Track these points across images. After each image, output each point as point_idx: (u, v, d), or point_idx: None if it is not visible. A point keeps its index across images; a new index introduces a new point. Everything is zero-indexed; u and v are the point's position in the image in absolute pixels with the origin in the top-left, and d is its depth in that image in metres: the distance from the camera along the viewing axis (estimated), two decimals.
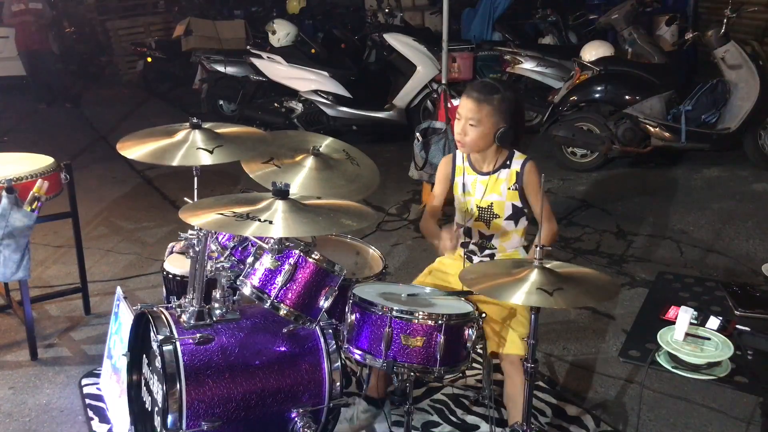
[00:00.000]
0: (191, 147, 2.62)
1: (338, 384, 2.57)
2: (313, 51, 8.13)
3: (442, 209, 3.00)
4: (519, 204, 2.81)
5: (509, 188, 2.80)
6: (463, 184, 2.88)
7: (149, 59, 10.23)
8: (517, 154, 2.83)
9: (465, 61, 7.48)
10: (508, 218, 2.82)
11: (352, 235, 3.23)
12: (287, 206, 2.33)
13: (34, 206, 3.43)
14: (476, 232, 2.87)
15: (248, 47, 8.05)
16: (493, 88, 2.75)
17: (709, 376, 2.09)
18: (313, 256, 2.42)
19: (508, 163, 2.82)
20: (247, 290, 2.44)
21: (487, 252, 2.89)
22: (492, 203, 2.82)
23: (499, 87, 2.77)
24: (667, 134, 6.20)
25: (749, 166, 6.35)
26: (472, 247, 2.88)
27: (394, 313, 2.30)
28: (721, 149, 6.44)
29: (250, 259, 2.49)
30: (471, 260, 2.90)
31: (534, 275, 2.19)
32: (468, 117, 2.74)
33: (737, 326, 2.32)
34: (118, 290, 3.26)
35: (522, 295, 2.14)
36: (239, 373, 2.44)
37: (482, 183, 2.84)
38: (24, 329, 3.65)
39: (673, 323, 2.24)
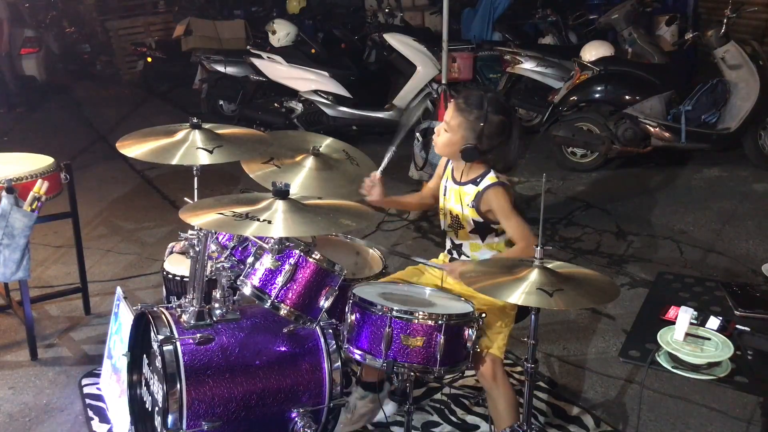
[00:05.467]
0: (191, 147, 2.63)
1: (338, 384, 2.57)
2: (313, 51, 8.12)
3: (428, 202, 3.00)
4: (480, 220, 2.72)
5: (468, 204, 2.72)
6: (443, 189, 2.85)
7: (149, 59, 10.22)
8: (491, 174, 2.69)
9: (465, 61, 7.48)
10: (473, 231, 2.75)
11: (351, 235, 3.23)
12: (287, 206, 2.33)
13: (34, 206, 3.43)
14: (449, 239, 2.87)
15: (248, 47, 8.04)
16: (477, 104, 2.64)
17: (709, 376, 2.09)
18: (313, 256, 2.42)
19: (478, 180, 2.71)
20: (247, 290, 2.44)
21: (463, 259, 2.83)
22: (458, 214, 2.76)
23: (484, 104, 2.63)
24: (667, 134, 6.19)
25: (749, 166, 6.34)
26: (450, 255, 2.87)
27: (394, 313, 2.30)
28: (721, 149, 6.43)
29: (250, 259, 2.49)
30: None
31: (534, 275, 2.19)
32: (446, 120, 2.71)
33: (737, 326, 2.32)
34: (118, 290, 3.26)
35: (521, 295, 2.13)
36: (239, 373, 2.44)
37: (453, 192, 2.79)
38: (24, 329, 3.65)
39: (673, 323, 2.24)
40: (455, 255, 2.86)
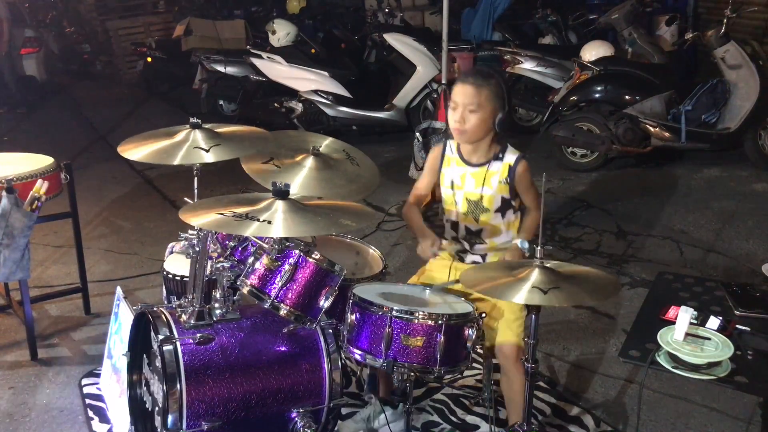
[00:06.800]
0: (190, 146, 2.61)
1: (338, 384, 2.57)
2: (313, 51, 8.12)
3: (428, 200, 2.99)
4: (507, 196, 2.80)
5: (500, 181, 2.77)
6: (451, 177, 2.85)
7: (149, 59, 10.22)
8: (510, 148, 2.81)
9: (465, 61, 7.48)
10: (497, 211, 2.80)
11: (352, 235, 3.22)
12: (287, 206, 2.33)
13: (34, 206, 3.43)
14: (463, 227, 2.85)
15: (248, 47, 8.04)
16: (488, 74, 2.76)
17: (709, 376, 2.09)
18: (313, 256, 2.42)
19: (500, 156, 2.78)
20: (246, 290, 2.44)
21: (477, 248, 2.85)
22: (482, 196, 2.79)
23: (493, 72, 2.79)
24: (667, 134, 6.20)
25: (749, 166, 6.34)
26: (461, 245, 2.87)
27: (394, 313, 2.30)
28: (721, 149, 6.44)
29: (250, 259, 2.48)
30: (462, 260, 2.88)
31: (535, 275, 2.19)
32: (466, 103, 2.69)
33: (737, 326, 2.32)
34: (118, 290, 3.26)
35: (516, 293, 2.14)
36: (239, 373, 2.44)
37: (472, 175, 2.80)
38: (24, 329, 3.65)
39: (673, 323, 2.24)
40: (466, 246, 2.86)
